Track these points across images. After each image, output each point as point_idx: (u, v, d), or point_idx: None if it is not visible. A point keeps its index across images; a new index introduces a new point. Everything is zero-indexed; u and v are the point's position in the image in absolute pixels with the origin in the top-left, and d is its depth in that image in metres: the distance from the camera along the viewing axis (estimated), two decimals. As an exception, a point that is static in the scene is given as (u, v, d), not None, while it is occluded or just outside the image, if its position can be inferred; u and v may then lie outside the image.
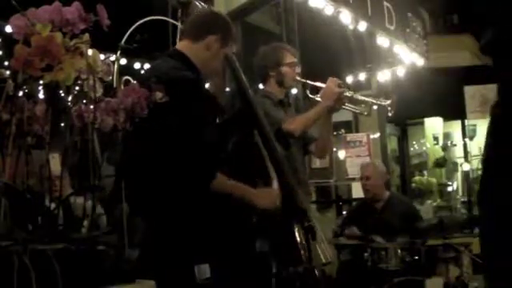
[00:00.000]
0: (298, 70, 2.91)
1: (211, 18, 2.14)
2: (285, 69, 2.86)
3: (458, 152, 9.09)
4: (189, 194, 1.88)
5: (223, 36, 2.10)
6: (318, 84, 2.84)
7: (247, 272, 1.97)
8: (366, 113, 2.94)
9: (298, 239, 2.22)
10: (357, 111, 2.95)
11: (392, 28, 4.80)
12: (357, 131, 7.09)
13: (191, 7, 2.25)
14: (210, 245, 1.92)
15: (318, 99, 2.80)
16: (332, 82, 2.75)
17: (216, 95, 2.12)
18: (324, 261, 2.27)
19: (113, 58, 3.16)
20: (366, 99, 2.91)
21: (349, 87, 2.86)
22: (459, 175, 9.06)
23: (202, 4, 2.28)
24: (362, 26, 4.27)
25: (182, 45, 2.13)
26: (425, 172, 9.31)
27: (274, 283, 2.17)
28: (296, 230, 2.24)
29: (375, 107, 6.54)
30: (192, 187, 1.89)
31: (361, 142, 6.27)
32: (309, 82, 2.89)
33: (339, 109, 2.81)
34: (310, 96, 2.93)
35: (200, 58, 2.08)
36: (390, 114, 2.85)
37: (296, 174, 2.63)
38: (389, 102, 2.81)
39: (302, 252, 2.20)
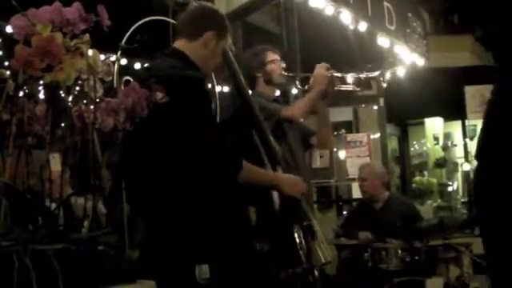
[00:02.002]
0: (283, 65, 2.97)
1: (205, 14, 2.14)
2: (270, 66, 2.94)
3: (459, 152, 9.08)
4: (201, 191, 1.87)
5: (219, 31, 2.10)
6: (308, 74, 2.91)
7: (247, 272, 1.97)
8: (358, 89, 3.00)
9: (298, 239, 2.22)
10: (349, 89, 3.00)
11: (392, 28, 4.79)
12: (357, 131, 7.10)
13: (189, 8, 2.24)
14: (210, 245, 1.92)
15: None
16: (320, 67, 2.84)
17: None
18: (323, 261, 2.27)
19: (113, 58, 3.16)
20: (356, 75, 2.98)
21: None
22: (459, 175, 9.05)
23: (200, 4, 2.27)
24: (363, 26, 4.27)
25: (178, 44, 2.11)
26: (425, 172, 9.30)
27: (274, 284, 2.17)
28: (295, 230, 2.24)
29: (375, 107, 6.53)
30: (220, 180, 1.90)
31: (361, 142, 6.27)
32: (298, 74, 2.95)
33: (332, 92, 2.87)
34: (300, 87, 2.99)
35: (198, 56, 2.07)
36: (384, 85, 2.94)
37: (297, 169, 2.65)
38: (377, 72, 2.91)
39: (302, 252, 2.20)
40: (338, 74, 2.89)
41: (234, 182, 1.92)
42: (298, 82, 3.02)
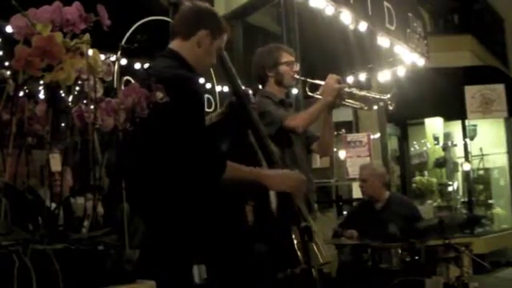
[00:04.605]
0: (297, 68, 2.92)
1: (198, 13, 2.12)
2: (283, 68, 2.88)
3: (459, 152, 9.08)
4: (196, 191, 1.87)
5: (213, 30, 2.09)
6: (318, 82, 2.86)
7: (245, 273, 1.97)
8: (366, 108, 2.96)
9: (295, 240, 2.22)
10: (357, 107, 2.97)
11: (392, 28, 4.79)
12: (357, 131, 7.12)
13: (183, 8, 2.23)
14: (208, 246, 1.92)
15: (318, 97, 2.82)
16: (331, 78, 2.78)
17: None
18: (322, 261, 2.26)
19: (113, 58, 3.16)
20: (366, 94, 2.93)
21: (348, 85, 2.89)
22: (459, 175, 9.06)
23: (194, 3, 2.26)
24: (363, 26, 4.27)
25: (174, 44, 2.11)
26: (425, 172, 9.30)
27: (272, 284, 2.17)
28: (293, 230, 2.24)
29: (375, 107, 6.52)
30: (203, 181, 1.89)
31: (361, 142, 6.28)
32: (308, 79, 2.91)
33: (340, 105, 2.83)
34: (310, 94, 2.94)
35: (193, 55, 2.07)
36: (391, 108, 2.86)
37: (299, 171, 2.63)
38: (388, 95, 2.83)
39: (299, 253, 2.19)
40: (348, 89, 2.82)
41: (218, 182, 1.90)
42: (307, 89, 2.98)
